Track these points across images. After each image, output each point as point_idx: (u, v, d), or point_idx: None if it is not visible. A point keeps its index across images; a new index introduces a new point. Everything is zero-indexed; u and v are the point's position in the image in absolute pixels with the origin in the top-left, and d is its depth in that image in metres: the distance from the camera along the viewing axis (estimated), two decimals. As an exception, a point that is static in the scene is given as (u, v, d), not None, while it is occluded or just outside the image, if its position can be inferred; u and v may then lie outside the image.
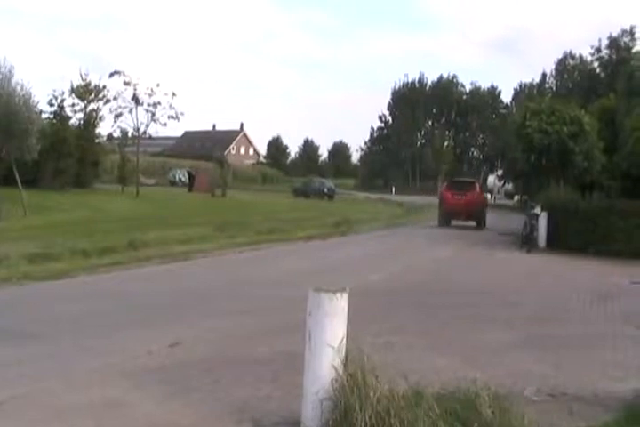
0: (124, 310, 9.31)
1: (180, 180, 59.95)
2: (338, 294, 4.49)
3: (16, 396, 5.38)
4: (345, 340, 4.53)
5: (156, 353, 6.89)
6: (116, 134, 43.71)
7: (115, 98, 40.85)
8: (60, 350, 6.92)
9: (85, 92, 40.81)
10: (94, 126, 41.82)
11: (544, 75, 67.90)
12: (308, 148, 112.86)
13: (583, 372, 6.72)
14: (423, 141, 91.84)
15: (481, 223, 29.74)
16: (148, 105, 40.87)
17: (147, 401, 5.41)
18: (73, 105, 40.47)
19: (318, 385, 4.42)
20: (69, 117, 40.33)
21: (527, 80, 77.94)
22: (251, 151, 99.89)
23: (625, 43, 56.28)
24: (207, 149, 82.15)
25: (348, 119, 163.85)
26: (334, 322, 4.47)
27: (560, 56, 65.22)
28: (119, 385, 5.78)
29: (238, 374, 6.24)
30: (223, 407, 5.31)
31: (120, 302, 9.94)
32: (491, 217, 33.60)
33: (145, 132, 42.08)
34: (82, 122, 41.06)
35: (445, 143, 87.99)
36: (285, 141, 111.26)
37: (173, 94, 41.33)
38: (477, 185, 32.72)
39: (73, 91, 40.54)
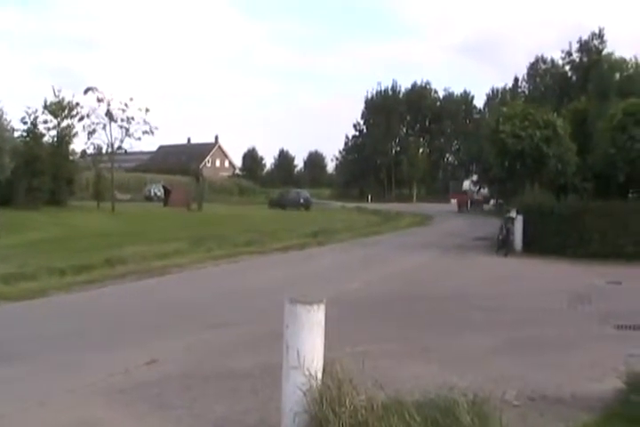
0: (100, 328, 9.25)
1: (155, 194, 59.54)
2: (315, 306, 4.41)
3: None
4: (322, 350, 4.49)
5: (134, 371, 6.82)
6: (90, 151, 43.40)
7: (88, 115, 40.69)
8: (37, 371, 6.84)
9: (59, 108, 40.57)
10: (68, 143, 41.47)
11: (516, 79, 67.97)
12: (284, 158, 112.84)
13: (562, 373, 6.74)
14: (398, 149, 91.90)
15: (465, 209, 55.32)
16: (122, 120, 40.70)
17: (124, 419, 5.36)
18: (46, 122, 40.22)
19: (295, 398, 4.36)
20: (43, 135, 40.04)
21: (500, 85, 78.37)
22: (226, 164, 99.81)
23: (595, 46, 56.76)
24: (182, 162, 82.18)
25: (323, 129, 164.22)
26: (311, 334, 4.40)
27: (532, 60, 65.48)
28: (96, 404, 5.71)
29: (217, 390, 6.18)
30: (202, 423, 5.26)
31: (96, 320, 9.88)
32: (464, 222, 36.02)
33: (119, 148, 41.81)
34: (55, 139, 40.74)
35: (420, 150, 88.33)
36: (261, 153, 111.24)
37: (147, 110, 41.20)
38: (467, 193, 60.84)
39: (46, 108, 40.30)
